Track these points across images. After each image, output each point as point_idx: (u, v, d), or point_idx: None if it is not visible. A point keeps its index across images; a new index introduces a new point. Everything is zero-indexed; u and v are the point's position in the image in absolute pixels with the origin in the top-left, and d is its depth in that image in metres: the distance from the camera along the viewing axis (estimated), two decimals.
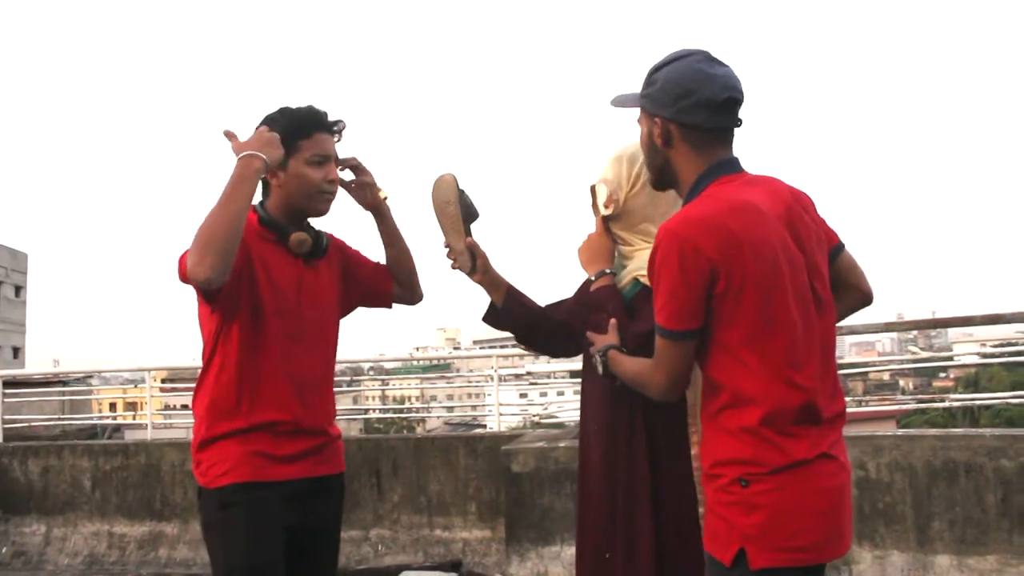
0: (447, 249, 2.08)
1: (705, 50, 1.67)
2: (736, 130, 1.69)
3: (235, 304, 1.96)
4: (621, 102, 1.77)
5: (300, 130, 2.04)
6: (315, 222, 2.14)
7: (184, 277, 1.84)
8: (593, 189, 2.05)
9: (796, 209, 1.65)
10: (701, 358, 1.62)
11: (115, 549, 5.65)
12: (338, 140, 2.11)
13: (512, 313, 2.10)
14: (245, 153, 1.90)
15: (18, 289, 40.15)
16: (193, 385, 2.07)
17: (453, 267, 2.07)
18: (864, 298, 1.83)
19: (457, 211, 2.03)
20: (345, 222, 2.35)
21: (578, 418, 2.19)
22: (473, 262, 2.05)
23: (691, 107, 1.62)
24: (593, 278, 2.00)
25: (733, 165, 1.68)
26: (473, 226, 2.07)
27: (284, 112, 2.07)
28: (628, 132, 1.86)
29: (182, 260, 1.85)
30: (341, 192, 2.16)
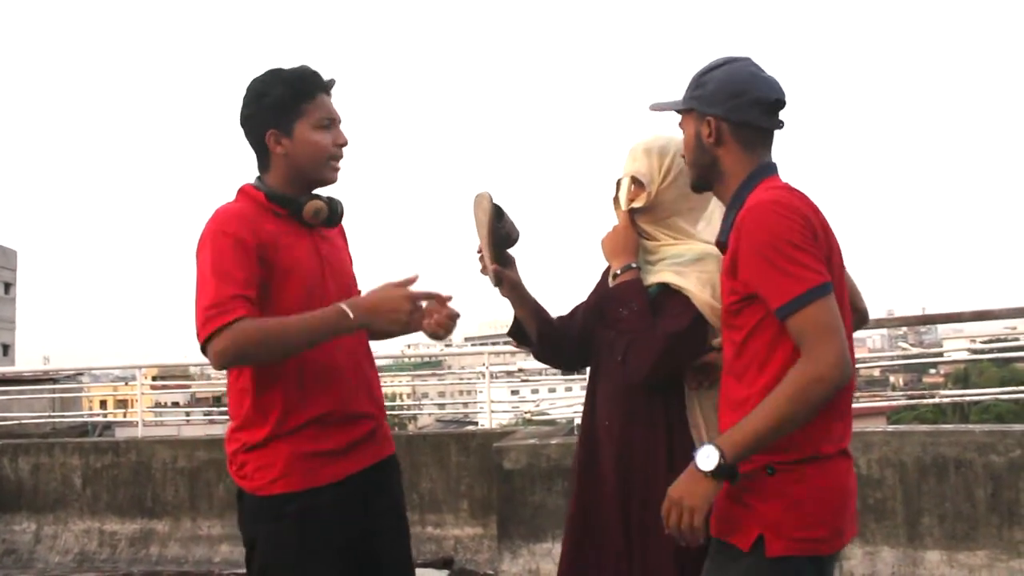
0: (479, 255, 2.04)
1: (749, 57, 1.73)
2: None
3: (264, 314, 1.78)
4: (661, 107, 1.79)
5: (303, 93, 1.87)
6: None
7: (203, 346, 1.72)
8: (619, 183, 2.03)
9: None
10: (757, 333, 1.58)
11: (106, 547, 5.63)
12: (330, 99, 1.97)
13: (537, 331, 2.12)
14: (354, 317, 1.75)
15: (7, 286, 39.97)
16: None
17: (482, 272, 2.05)
18: (860, 317, 1.86)
19: (487, 233, 1.98)
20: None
21: (569, 415, 2.18)
22: (499, 281, 2.04)
23: (744, 105, 1.67)
24: (619, 271, 1.97)
25: (776, 169, 1.72)
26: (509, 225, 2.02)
27: (278, 75, 1.89)
28: (653, 127, 1.86)
29: (209, 325, 1.69)
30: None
